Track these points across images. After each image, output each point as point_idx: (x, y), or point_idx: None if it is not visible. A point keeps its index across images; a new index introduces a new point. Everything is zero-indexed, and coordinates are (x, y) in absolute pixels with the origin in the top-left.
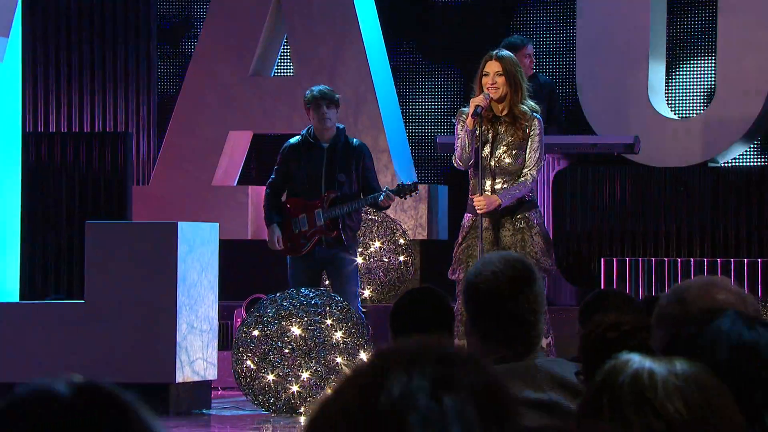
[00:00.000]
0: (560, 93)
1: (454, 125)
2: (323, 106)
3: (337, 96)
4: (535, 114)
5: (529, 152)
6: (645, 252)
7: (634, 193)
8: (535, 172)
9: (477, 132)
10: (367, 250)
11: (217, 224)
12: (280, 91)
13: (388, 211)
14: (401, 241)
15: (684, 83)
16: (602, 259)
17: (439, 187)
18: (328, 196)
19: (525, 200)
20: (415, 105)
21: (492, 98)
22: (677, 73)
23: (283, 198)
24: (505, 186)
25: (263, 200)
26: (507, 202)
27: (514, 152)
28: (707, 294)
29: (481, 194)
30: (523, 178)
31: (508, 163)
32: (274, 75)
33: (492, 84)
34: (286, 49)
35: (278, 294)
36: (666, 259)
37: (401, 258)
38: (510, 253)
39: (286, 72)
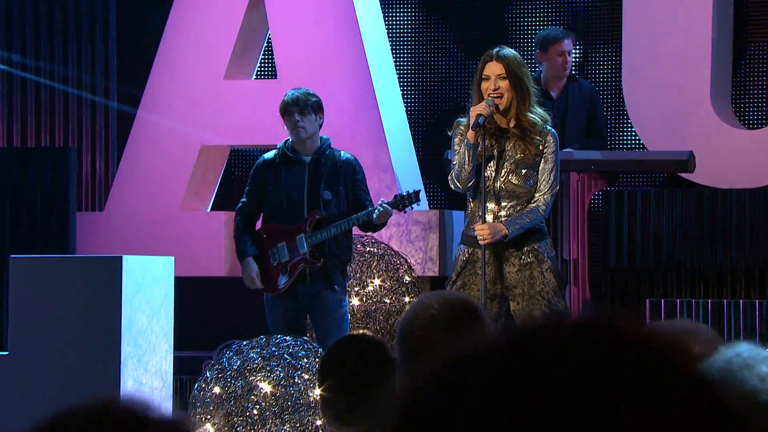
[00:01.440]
0: (603, 99)
1: (450, 138)
2: (294, 113)
3: (313, 99)
4: (548, 127)
5: (542, 173)
6: (702, 292)
7: (691, 220)
8: (549, 197)
9: (479, 147)
10: (364, 289)
11: (173, 258)
12: (261, 96)
13: (392, 242)
14: (406, 278)
15: (756, 88)
16: (648, 301)
17: (453, 212)
18: (312, 218)
19: (534, 229)
20: (426, 112)
21: (495, 106)
22: (747, 75)
23: (258, 225)
24: (511, 212)
25: (233, 229)
26: (515, 232)
27: (523, 172)
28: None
29: (483, 221)
30: (534, 204)
31: (516, 184)
32: (255, 78)
33: (494, 90)
34: (269, 48)
35: (245, 342)
36: (726, 301)
37: (406, 299)
38: (451, 293)
39: (269, 75)
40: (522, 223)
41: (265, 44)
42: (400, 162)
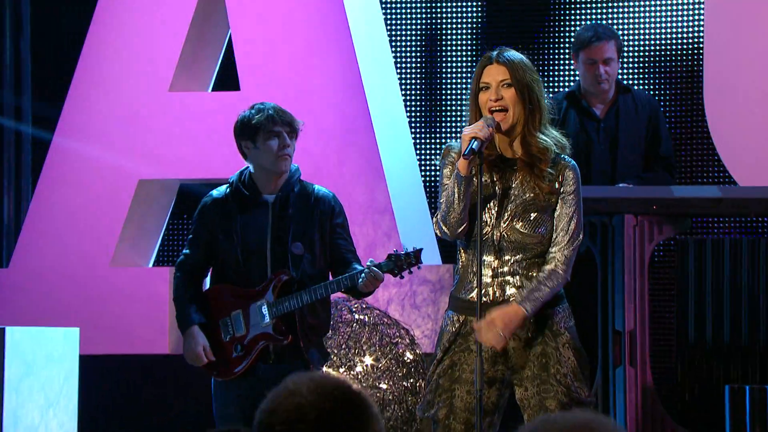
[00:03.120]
0: (674, 119)
1: (439, 168)
2: (283, 133)
3: (298, 121)
4: (565, 157)
5: (559, 220)
6: None
7: None
8: (569, 252)
9: (475, 181)
10: (352, 370)
11: (77, 330)
12: (220, 113)
13: (391, 307)
14: (408, 356)
15: None
16: (728, 387)
17: None
18: (278, 280)
19: None
20: (438, 136)
21: (497, 125)
22: None
23: (206, 285)
24: (516, 269)
25: (173, 289)
26: (534, 310)
27: (532, 216)
28: None
29: (479, 280)
30: (550, 266)
31: (524, 232)
32: (212, 90)
33: (496, 101)
34: (231, 54)
35: None
36: None
37: (407, 383)
38: (326, 376)
39: (230, 86)
40: (542, 297)
41: (226, 47)
42: (403, 201)
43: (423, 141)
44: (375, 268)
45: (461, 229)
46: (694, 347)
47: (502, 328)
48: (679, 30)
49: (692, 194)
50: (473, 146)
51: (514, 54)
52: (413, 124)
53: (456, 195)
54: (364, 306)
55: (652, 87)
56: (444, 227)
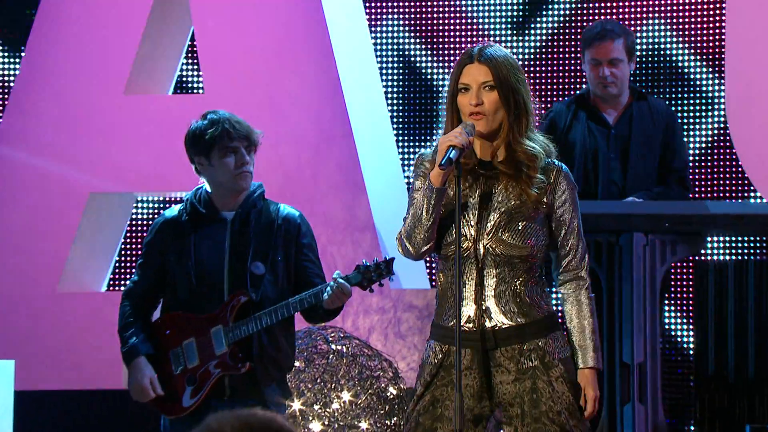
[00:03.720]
0: (693, 127)
1: (410, 180)
2: (241, 148)
3: (258, 132)
4: (554, 161)
5: (560, 226)
6: None
7: None
8: (584, 254)
9: (451, 193)
10: (328, 407)
11: (12, 362)
12: (182, 118)
13: (372, 336)
14: (392, 391)
15: None
16: (749, 427)
17: None
18: (237, 301)
19: (538, 314)
20: (423, 148)
21: (476, 132)
22: None
23: (156, 314)
24: (505, 289)
25: (118, 320)
26: (599, 349)
27: (521, 225)
28: None
29: (459, 304)
30: (572, 283)
31: (512, 243)
32: (173, 93)
33: (475, 105)
34: (194, 53)
35: None
36: None
37: (390, 422)
38: (253, 413)
39: (195, 89)
40: (592, 324)
41: (188, 45)
42: (387, 217)
43: (409, 150)
44: (342, 281)
45: (427, 248)
46: (714, 382)
47: (593, 397)
48: (699, 34)
49: (710, 210)
50: (451, 156)
51: (497, 51)
52: (398, 132)
53: (425, 209)
54: (341, 335)
55: (669, 94)
56: (408, 245)
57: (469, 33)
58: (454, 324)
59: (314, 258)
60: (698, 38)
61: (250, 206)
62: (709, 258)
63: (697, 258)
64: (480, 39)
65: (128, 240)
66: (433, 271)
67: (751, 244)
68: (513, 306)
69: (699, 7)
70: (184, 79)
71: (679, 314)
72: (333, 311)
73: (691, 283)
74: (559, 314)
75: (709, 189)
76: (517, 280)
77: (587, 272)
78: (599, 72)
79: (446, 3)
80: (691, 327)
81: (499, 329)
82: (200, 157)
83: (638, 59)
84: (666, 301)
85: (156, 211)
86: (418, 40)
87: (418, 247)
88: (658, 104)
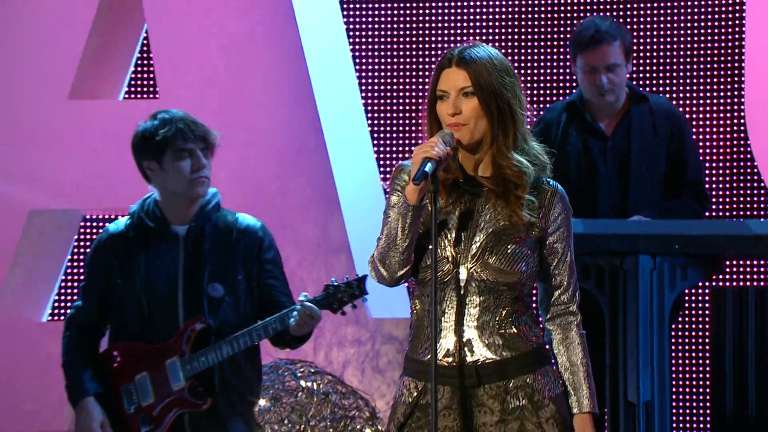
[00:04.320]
0: (707, 136)
1: (386, 195)
2: (197, 151)
3: (215, 133)
4: (550, 181)
5: (551, 254)
6: None
7: None
8: (577, 291)
9: (431, 209)
10: None
11: None
12: (133, 125)
13: (347, 372)
14: None
15: None
16: None
17: None
18: (192, 329)
19: (525, 347)
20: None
21: (456, 143)
22: None
23: (103, 344)
24: (490, 320)
25: (62, 352)
26: (594, 396)
27: (509, 249)
28: None
29: (435, 336)
30: (561, 318)
31: (499, 268)
32: (125, 98)
33: (453, 114)
34: (147, 53)
35: None
36: None
37: None
38: None
39: (148, 93)
40: (586, 365)
41: (141, 45)
42: (364, 237)
43: (390, 162)
44: (309, 303)
45: (403, 272)
46: (733, 422)
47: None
48: (716, 32)
49: (726, 230)
50: (426, 169)
51: (479, 51)
52: (378, 142)
53: (400, 228)
54: (312, 370)
55: (681, 99)
56: (381, 268)
57: (454, 35)
58: (430, 358)
59: (279, 274)
60: (716, 41)
61: (204, 218)
62: (726, 284)
63: (712, 284)
64: (466, 40)
65: (74, 264)
66: None
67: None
68: (498, 338)
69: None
70: (136, 82)
71: (692, 347)
72: (301, 337)
73: (707, 311)
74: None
75: (726, 206)
76: (503, 309)
77: (578, 306)
78: (595, 79)
79: (430, 5)
80: (707, 361)
81: (481, 364)
82: (150, 161)
83: (647, 61)
84: (677, 332)
85: None
86: (400, 43)
87: (393, 271)
88: (661, 105)
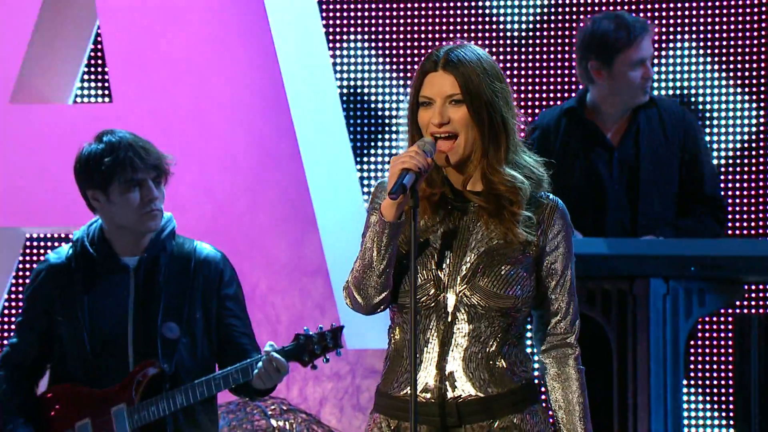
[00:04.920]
0: (727, 145)
1: (366, 214)
2: (148, 181)
3: (166, 156)
4: (550, 196)
5: (549, 277)
6: None
7: None
8: (575, 317)
9: (410, 227)
10: None
11: None
12: (86, 132)
13: (324, 410)
14: None
15: None
16: None
17: None
18: (143, 375)
19: (513, 383)
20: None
21: (444, 160)
22: None
23: (42, 386)
24: (477, 351)
25: None
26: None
27: (504, 270)
28: None
29: (413, 371)
30: (557, 350)
31: (492, 291)
32: (74, 102)
33: (439, 125)
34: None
35: None
36: None
37: None
38: None
39: (101, 96)
40: (583, 402)
41: (93, 44)
42: (343, 260)
43: (373, 175)
44: (276, 354)
45: (381, 298)
46: None
47: None
48: (731, 28)
49: (748, 251)
50: (404, 181)
51: (468, 53)
52: (359, 155)
53: (376, 249)
54: (284, 407)
55: (692, 104)
56: (356, 294)
57: (447, 37)
58: (407, 393)
59: (240, 313)
60: (736, 38)
61: (158, 248)
62: (751, 310)
63: (735, 310)
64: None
65: (18, 287)
66: None
67: None
68: (484, 372)
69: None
70: (89, 84)
71: (711, 381)
72: (264, 390)
73: (729, 342)
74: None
75: (746, 223)
76: (494, 339)
77: (577, 339)
78: (645, 72)
79: (413, 12)
80: (730, 398)
81: (464, 401)
82: (95, 191)
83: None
84: (693, 366)
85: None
86: (387, 47)
87: (370, 297)
88: (671, 108)
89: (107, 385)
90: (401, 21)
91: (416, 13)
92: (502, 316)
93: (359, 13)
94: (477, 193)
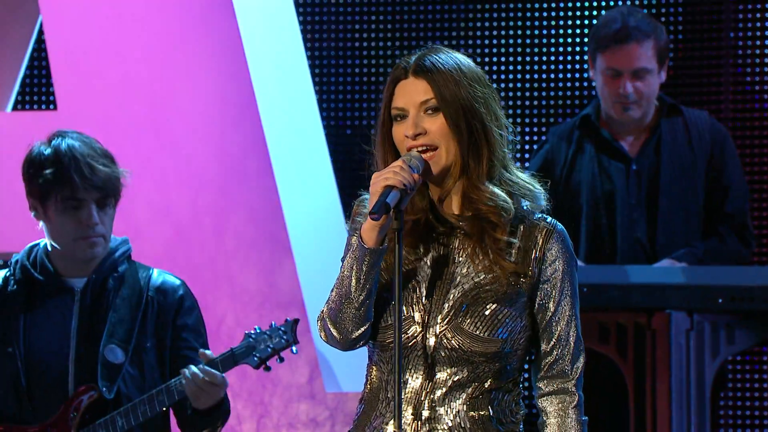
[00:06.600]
0: (757, 159)
1: (347, 236)
2: (89, 203)
3: (116, 171)
4: (546, 218)
5: (549, 311)
6: None
7: None
8: (580, 363)
9: (395, 253)
10: None
11: None
12: (25, 140)
13: None
14: None
15: None
16: None
17: None
18: (79, 402)
19: (494, 423)
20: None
21: (426, 168)
22: None
23: None
24: (459, 402)
25: None
26: None
27: (489, 309)
28: None
29: (398, 417)
30: (555, 396)
31: (475, 335)
32: (13, 110)
33: (414, 136)
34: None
35: None
36: None
37: None
38: None
39: (44, 103)
40: None
41: (35, 46)
42: (320, 287)
43: (355, 194)
44: (201, 367)
45: (359, 333)
46: None
47: None
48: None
49: None
50: (387, 200)
51: (442, 57)
52: (340, 166)
53: (354, 278)
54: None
55: (723, 114)
56: (332, 328)
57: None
58: None
59: (198, 345)
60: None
61: (108, 270)
62: None
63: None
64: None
65: None
66: None
67: None
68: (466, 421)
69: None
70: (30, 90)
71: (745, 430)
72: (209, 410)
73: (763, 384)
74: None
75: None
76: (482, 384)
77: (580, 383)
78: (618, 87)
79: (397, 17)
80: None
81: None
82: (34, 200)
83: (680, 63)
84: (721, 413)
85: None
86: (372, 55)
87: (347, 331)
88: (699, 119)
89: (42, 416)
90: (393, 25)
91: (411, 17)
92: (488, 362)
93: (342, 16)
94: (456, 215)
